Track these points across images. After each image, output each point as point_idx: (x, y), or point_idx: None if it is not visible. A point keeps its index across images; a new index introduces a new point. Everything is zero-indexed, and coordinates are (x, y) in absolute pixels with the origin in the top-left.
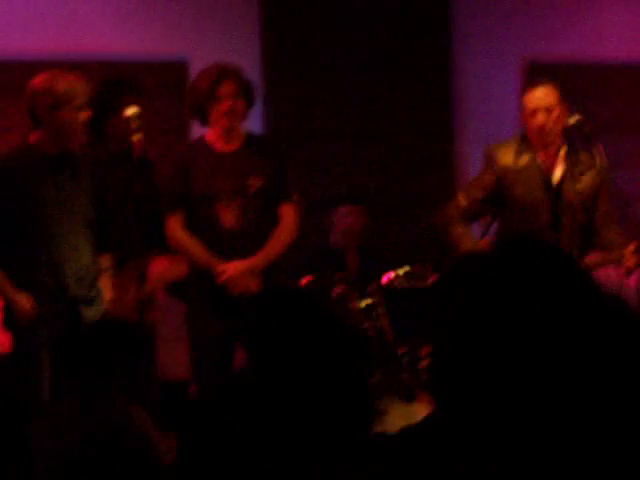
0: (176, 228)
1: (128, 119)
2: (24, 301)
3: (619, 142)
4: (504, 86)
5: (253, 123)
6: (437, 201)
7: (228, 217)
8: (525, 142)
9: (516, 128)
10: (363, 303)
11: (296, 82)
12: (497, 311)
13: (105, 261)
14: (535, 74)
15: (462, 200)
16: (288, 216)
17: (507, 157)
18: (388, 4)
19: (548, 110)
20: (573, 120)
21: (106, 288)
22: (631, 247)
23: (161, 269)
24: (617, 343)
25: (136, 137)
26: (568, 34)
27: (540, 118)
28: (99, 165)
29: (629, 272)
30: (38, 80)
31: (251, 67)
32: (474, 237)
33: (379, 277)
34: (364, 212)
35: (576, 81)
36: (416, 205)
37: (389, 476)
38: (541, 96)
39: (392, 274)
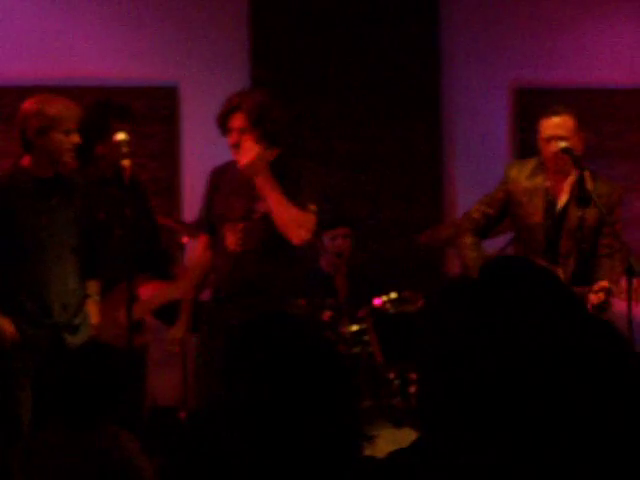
0: (197, 250)
1: (118, 144)
2: (7, 326)
3: (608, 167)
4: (493, 111)
5: None
6: (426, 226)
7: (231, 239)
8: (542, 164)
9: (505, 152)
10: (353, 328)
11: (285, 105)
12: (480, 337)
13: (92, 287)
14: (524, 99)
15: (475, 212)
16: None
17: (521, 176)
18: (377, 30)
19: (563, 139)
20: (562, 145)
21: (93, 314)
22: (601, 284)
23: (151, 292)
24: (605, 365)
25: (126, 162)
26: (557, 59)
27: (554, 147)
28: (87, 190)
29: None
30: (28, 104)
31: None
32: (482, 249)
33: (368, 302)
34: (350, 235)
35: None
36: (405, 230)
37: None
38: (558, 124)
39: (382, 299)
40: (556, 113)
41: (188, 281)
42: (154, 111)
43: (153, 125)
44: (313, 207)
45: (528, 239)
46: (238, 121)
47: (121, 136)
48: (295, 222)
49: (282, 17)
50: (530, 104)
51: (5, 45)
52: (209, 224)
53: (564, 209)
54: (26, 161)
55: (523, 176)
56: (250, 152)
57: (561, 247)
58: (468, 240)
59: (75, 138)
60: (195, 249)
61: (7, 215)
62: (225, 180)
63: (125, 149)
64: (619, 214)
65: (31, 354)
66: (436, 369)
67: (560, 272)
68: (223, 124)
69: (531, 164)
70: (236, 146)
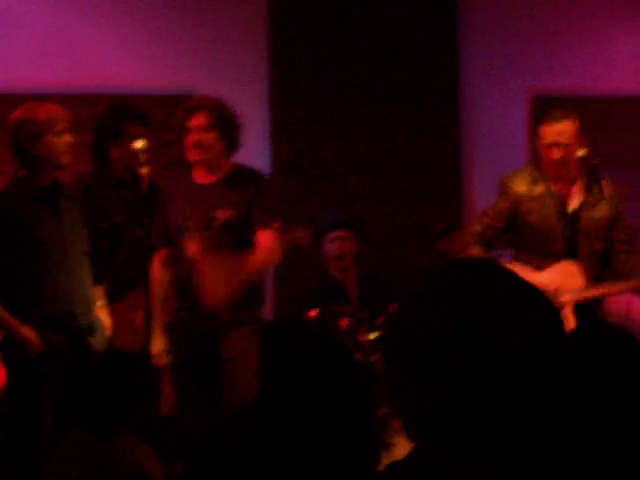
0: (155, 266)
1: (137, 152)
2: (30, 334)
3: (626, 175)
4: (511, 118)
5: (261, 155)
6: (444, 232)
7: (192, 248)
8: (538, 171)
9: (523, 159)
10: (371, 335)
11: (304, 114)
12: (448, 340)
13: (97, 293)
14: (542, 107)
15: (476, 226)
16: (263, 240)
17: (521, 185)
18: (396, 37)
19: (565, 145)
20: (581, 153)
21: (104, 319)
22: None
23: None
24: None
25: (144, 170)
26: (575, 67)
27: (556, 153)
28: (90, 193)
29: None
30: (16, 114)
31: (258, 99)
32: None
33: (383, 308)
34: (351, 237)
35: (582, 114)
36: (423, 236)
37: None
38: (559, 131)
39: None
40: (556, 120)
41: (156, 300)
42: (172, 119)
43: (171, 133)
44: (277, 225)
45: (544, 245)
46: (199, 120)
47: (140, 144)
48: (272, 261)
49: (301, 25)
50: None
51: (23, 52)
52: (166, 236)
53: (576, 212)
54: (24, 171)
55: (524, 185)
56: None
57: (579, 249)
58: (474, 252)
59: (68, 138)
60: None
61: (19, 225)
62: (180, 192)
63: (143, 157)
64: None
65: (56, 362)
66: (413, 378)
67: (582, 273)
68: (181, 125)
69: (527, 172)
70: (196, 145)
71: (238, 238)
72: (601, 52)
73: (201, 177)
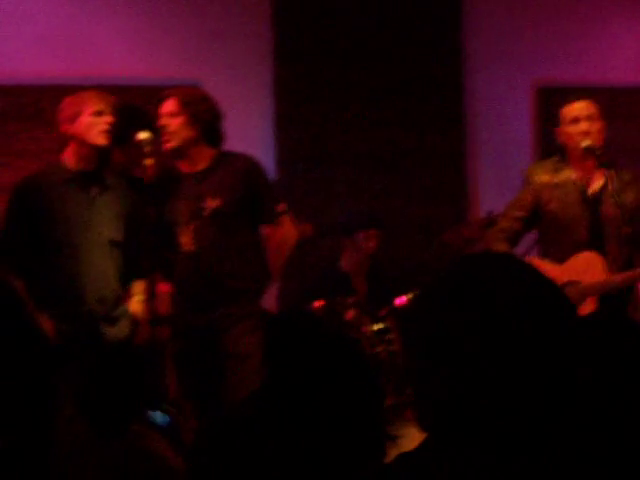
0: None
1: (140, 143)
2: (45, 322)
3: (630, 165)
4: (515, 110)
5: (265, 147)
6: (450, 225)
7: (185, 240)
8: (562, 159)
9: (528, 151)
10: (376, 327)
11: (308, 107)
12: (463, 331)
13: (137, 286)
14: (546, 98)
15: (503, 222)
16: (274, 236)
17: (544, 175)
18: (401, 29)
19: (590, 118)
20: (585, 143)
21: (138, 314)
22: None
23: (168, 289)
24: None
25: (148, 161)
26: (579, 58)
27: (584, 125)
28: (134, 187)
29: None
30: (63, 100)
31: (263, 92)
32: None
33: (387, 300)
34: (381, 236)
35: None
36: (429, 229)
37: None
38: (583, 106)
39: (404, 298)
40: (578, 99)
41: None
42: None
43: None
44: (282, 207)
45: (567, 235)
46: (167, 106)
47: (143, 135)
48: (289, 251)
49: (305, 16)
50: (553, 103)
51: (26, 43)
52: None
53: (598, 199)
54: (66, 155)
55: (547, 174)
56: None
57: (604, 237)
58: (501, 248)
59: (108, 118)
60: None
61: (43, 208)
62: (172, 185)
63: (148, 149)
64: None
65: (68, 351)
66: (431, 369)
67: (608, 261)
68: (155, 117)
69: (551, 162)
70: (163, 131)
71: (228, 226)
72: (605, 43)
73: (186, 168)
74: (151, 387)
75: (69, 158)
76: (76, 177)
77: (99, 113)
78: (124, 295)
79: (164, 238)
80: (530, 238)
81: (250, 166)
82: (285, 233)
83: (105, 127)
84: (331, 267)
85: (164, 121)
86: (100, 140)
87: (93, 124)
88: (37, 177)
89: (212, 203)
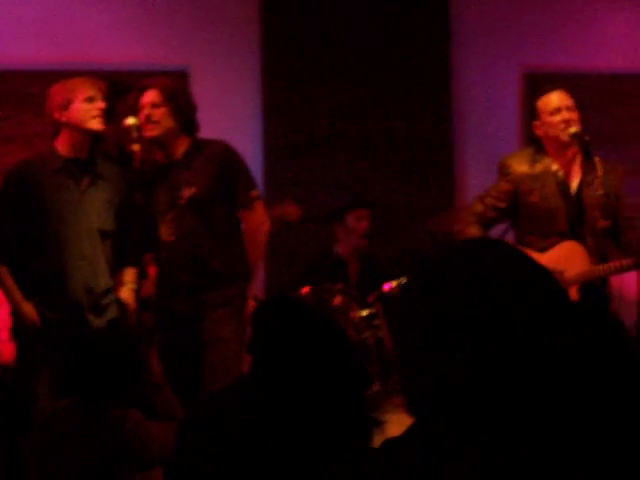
0: None
1: (129, 128)
2: (28, 310)
3: (618, 152)
4: (502, 96)
5: (253, 135)
6: (436, 211)
7: (164, 230)
8: (539, 151)
9: (515, 137)
10: (363, 313)
11: (296, 93)
12: (454, 313)
13: (129, 274)
14: (534, 84)
15: (478, 206)
16: (248, 223)
17: (522, 165)
18: (387, 16)
19: (570, 108)
20: (573, 130)
21: (129, 301)
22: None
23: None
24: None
25: (136, 146)
26: (566, 44)
27: (565, 113)
28: (128, 177)
29: None
30: (52, 88)
31: (252, 77)
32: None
33: (379, 287)
34: (371, 216)
35: (574, 91)
36: (416, 215)
37: None
38: (561, 96)
39: (392, 284)
40: (553, 89)
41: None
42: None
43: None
44: (255, 194)
45: (548, 225)
46: (150, 96)
47: (131, 120)
48: (265, 235)
49: (294, 4)
50: (537, 92)
51: (14, 29)
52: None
53: (578, 190)
54: (58, 142)
55: (525, 165)
56: None
57: (584, 228)
58: (474, 231)
59: (100, 104)
60: None
61: (32, 195)
62: (150, 175)
63: (135, 134)
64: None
65: (53, 339)
66: (420, 354)
67: (587, 251)
68: (134, 105)
69: (528, 152)
70: (147, 120)
71: (205, 213)
72: (593, 29)
73: (162, 158)
74: (135, 371)
75: (62, 145)
76: (68, 165)
77: (91, 99)
78: (115, 282)
79: (151, 224)
80: (502, 224)
81: (224, 152)
82: (259, 219)
83: (98, 112)
84: (326, 253)
85: (147, 111)
86: (94, 125)
87: (86, 110)
88: (29, 164)
89: (188, 192)
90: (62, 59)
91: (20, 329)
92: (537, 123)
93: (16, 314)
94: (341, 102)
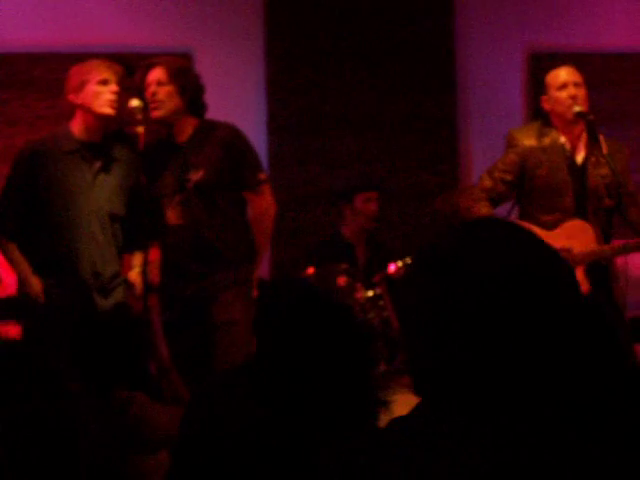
0: None
1: (133, 110)
2: (36, 283)
3: (622, 131)
4: (507, 75)
5: (257, 115)
6: (441, 191)
7: (170, 213)
8: (546, 124)
9: (520, 116)
10: (368, 294)
11: (301, 74)
12: (462, 297)
13: (137, 258)
14: (538, 64)
15: (486, 181)
16: (255, 206)
17: (530, 138)
18: None
19: (578, 84)
20: (577, 109)
21: (137, 285)
22: None
23: (157, 256)
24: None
25: (140, 129)
26: (571, 24)
27: (572, 89)
28: (139, 163)
29: None
30: (71, 69)
31: (255, 58)
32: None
33: (384, 268)
34: (380, 199)
35: (579, 70)
36: (420, 195)
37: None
38: (570, 72)
39: (398, 264)
40: (562, 65)
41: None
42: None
43: None
44: (263, 177)
45: (555, 200)
46: (156, 74)
47: (135, 102)
48: (272, 223)
49: None
50: (545, 69)
51: (18, 11)
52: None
53: (583, 167)
54: (73, 124)
55: (532, 137)
56: None
57: (588, 205)
58: (484, 210)
59: (113, 87)
60: None
61: (43, 175)
62: (159, 156)
63: (139, 116)
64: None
65: (59, 318)
66: (423, 332)
67: (592, 228)
68: (141, 84)
69: (535, 126)
70: (153, 99)
71: (212, 196)
72: (598, 8)
73: (171, 138)
74: (141, 354)
75: (76, 127)
76: (81, 148)
77: (105, 82)
78: (123, 265)
79: (157, 208)
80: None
81: (233, 136)
82: (266, 202)
83: (111, 96)
84: (332, 236)
85: (152, 89)
86: (105, 110)
87: (99, 93)
88: (43, 143)
89: (195, 175)
90: (65, 42)
91: (26, 304)
92: (544, 97)
93: (22, 290)
94: (344, 82)
